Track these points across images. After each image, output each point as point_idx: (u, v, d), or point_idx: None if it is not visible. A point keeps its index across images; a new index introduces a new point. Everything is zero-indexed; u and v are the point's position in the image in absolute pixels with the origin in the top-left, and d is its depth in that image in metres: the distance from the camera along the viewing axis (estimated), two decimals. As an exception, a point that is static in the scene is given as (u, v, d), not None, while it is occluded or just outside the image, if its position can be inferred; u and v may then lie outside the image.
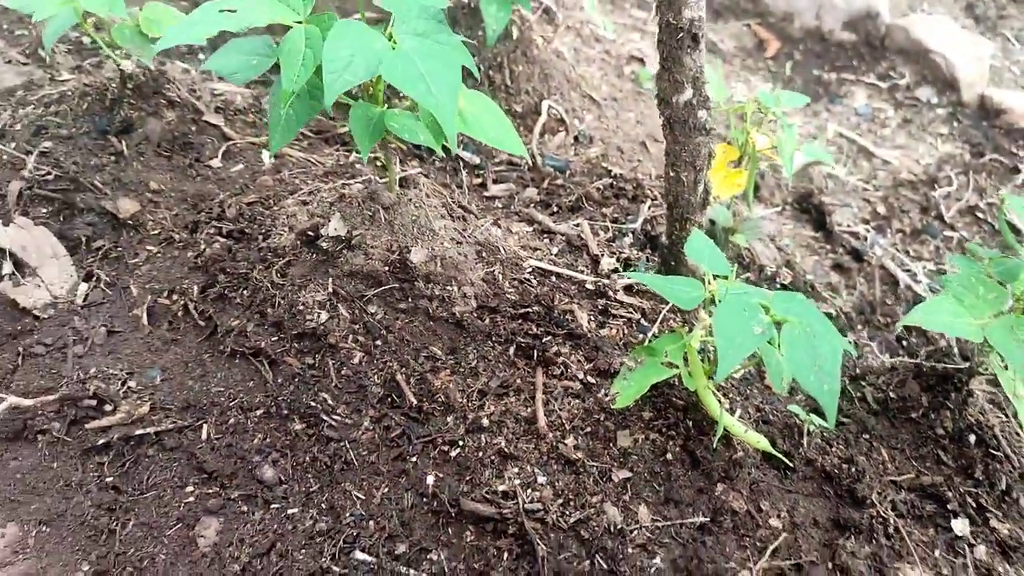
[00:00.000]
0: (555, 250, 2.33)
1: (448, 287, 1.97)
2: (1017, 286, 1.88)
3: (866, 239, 3.31)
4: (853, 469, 1.86)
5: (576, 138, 2.90)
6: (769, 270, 2.55)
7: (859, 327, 2.90)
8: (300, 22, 1.68)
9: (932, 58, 4.32)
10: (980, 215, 3.72)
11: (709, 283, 1.65)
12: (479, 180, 2.68)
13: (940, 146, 4.06)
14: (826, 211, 3.29)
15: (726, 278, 1.68)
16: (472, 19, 2.85)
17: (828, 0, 4.60)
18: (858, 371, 2.20)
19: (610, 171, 2.75)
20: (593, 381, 1.90)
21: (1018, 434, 2.04)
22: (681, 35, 1.77)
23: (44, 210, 2.22)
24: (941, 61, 4.30)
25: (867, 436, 2.02)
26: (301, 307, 1.93)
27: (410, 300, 1.96)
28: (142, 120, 2.38)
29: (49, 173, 2.25)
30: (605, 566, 1.60)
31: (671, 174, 2.00)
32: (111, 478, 1.79)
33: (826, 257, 3.17)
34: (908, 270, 3.23)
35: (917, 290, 3.14)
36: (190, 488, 1.78)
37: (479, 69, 2.83)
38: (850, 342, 2.50)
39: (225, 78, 1.97)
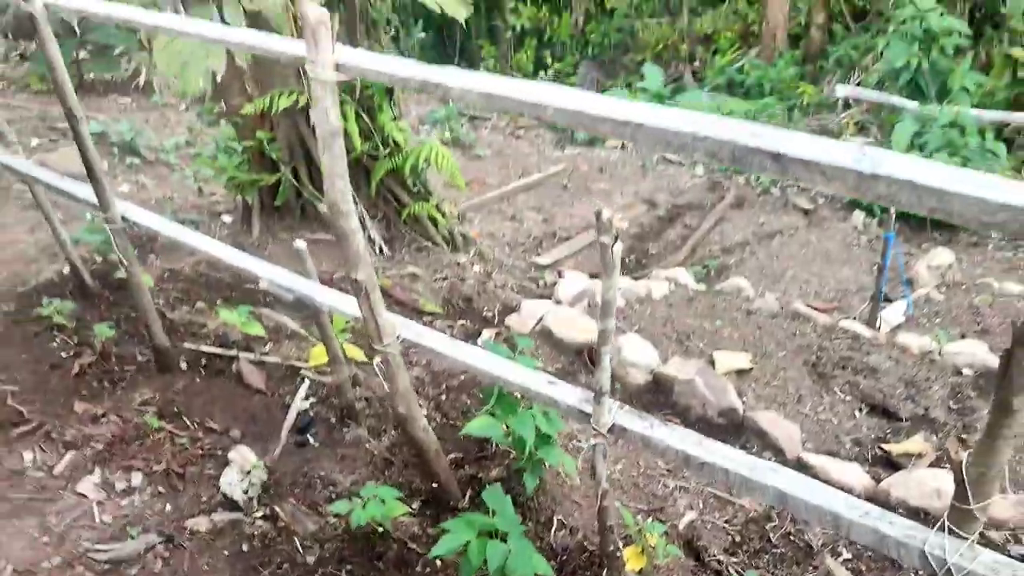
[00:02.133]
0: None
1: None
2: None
3: (722, 561, 6.41)
4: None
5: (571, 530, 6.09)
6: (659, 600, 5.64)
7: (719, 613, 5.95)
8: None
9: (768, 436, 7.64)
10: (792, 538, 6.86)
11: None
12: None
13: (774, 492, 7.28)
14: (699, 549, 6.42)
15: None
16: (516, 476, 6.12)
17: (708, 399, 8.00)
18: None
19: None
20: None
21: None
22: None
23: None
24: (772, 438, 7.61)
25: None
26: None
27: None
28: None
29: None
30: None
31: None
32: None
33: (699, 577, 6.25)
34: (746, 580, 6.31)
35: (746, 592, 6.21)
36: None
37: (523, 503, 6.08)
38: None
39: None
